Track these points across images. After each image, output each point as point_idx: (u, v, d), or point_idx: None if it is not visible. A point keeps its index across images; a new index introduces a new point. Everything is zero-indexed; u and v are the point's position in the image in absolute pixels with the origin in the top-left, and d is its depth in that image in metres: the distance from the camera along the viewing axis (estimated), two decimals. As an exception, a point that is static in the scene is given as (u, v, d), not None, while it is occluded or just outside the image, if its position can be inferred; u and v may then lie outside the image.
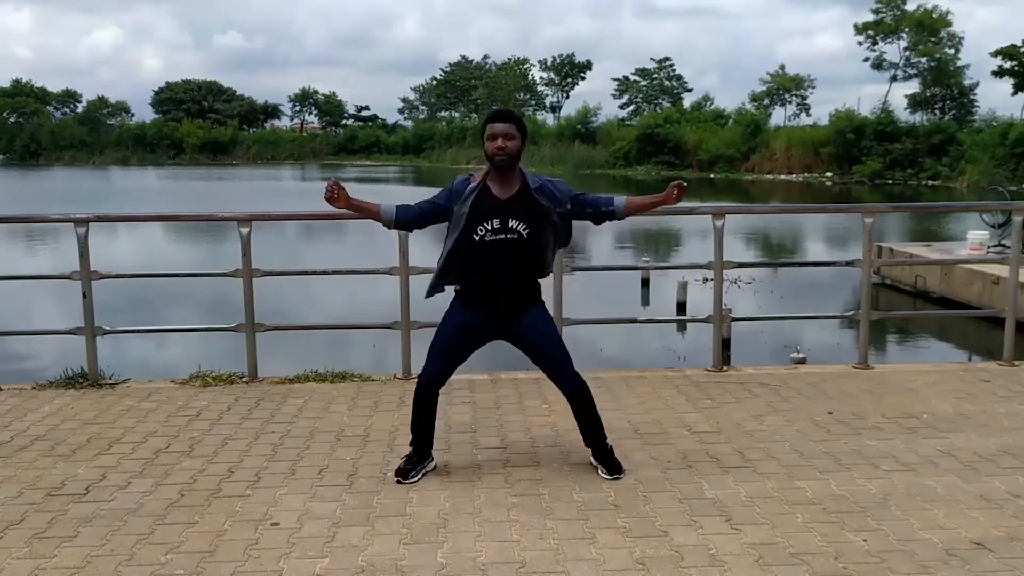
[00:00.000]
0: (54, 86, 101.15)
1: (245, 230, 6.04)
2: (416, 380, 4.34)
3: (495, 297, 4.16)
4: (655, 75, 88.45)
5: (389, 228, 4.35)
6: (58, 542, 3.60)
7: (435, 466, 4.38)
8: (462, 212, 4.04)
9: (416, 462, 4.30)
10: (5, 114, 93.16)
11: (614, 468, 4.29)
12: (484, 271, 4.10)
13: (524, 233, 4.04)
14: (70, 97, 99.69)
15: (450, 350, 4.26)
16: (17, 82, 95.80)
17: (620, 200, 4.28)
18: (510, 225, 4.02)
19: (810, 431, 4.97)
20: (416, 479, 4.24)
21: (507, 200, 4.06)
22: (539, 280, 4.28)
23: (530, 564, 3.38)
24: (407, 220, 4.25)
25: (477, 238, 4.03)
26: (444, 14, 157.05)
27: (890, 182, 50.90)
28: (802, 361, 9.26)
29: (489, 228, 4.02)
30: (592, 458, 4.37)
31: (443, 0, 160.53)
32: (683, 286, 14.22)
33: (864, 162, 53.22)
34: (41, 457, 4.65)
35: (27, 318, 12.31)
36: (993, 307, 11.20)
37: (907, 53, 63.58)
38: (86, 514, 3.88)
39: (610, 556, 3.43)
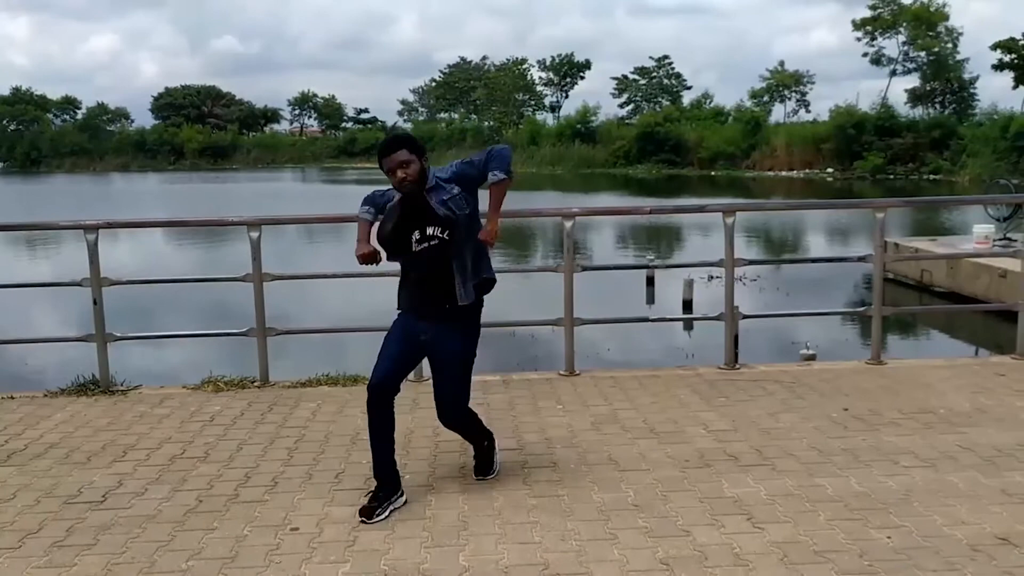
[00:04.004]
0: (53, 93, 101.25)
1: (255, 234, 6.02)
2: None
3: (422, 299, 4.06)
4: (654, 74, 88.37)
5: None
6: (78, 550, 3.59)
7: (405, 501, 3.99)
8: (388, 228, 3.99)
9: (383, 497, 3.93)
10: (5, 122, 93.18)
11: (480, 469, 4.29)
12: (417, 275, 4.05)
13: (444, 236, 3.94)
14: (70, 104, 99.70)
15: (391, 349, 4.08)
16: (16, 90, 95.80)
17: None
18: (428, 233, 3.94)
19: (827, 428, 4.95)
20: (383, 516, 3.84)
21: (421, 211, 3.95)
22: (469, 292, 4.05)
23: (554, 566, 3.36)
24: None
25: (412, 249, 3.97)
26: (440, 15, 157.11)
27: (891, 177, 50.89)
28: (812, 358, 9.24)
29: (415, 239, 3.96)
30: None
31: (438, 1, 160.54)
32: (689, 284, 14.20)
33: (865, 157, 53.19)
34: (56, 465, 4.63)
35: (38, 325, 12.28)
36: (1000, 300, 11.18)
37: (905, 48, 63.60)
38: (104, 522, 3.87)
39: (633, 557, 3.42)
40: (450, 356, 4.08)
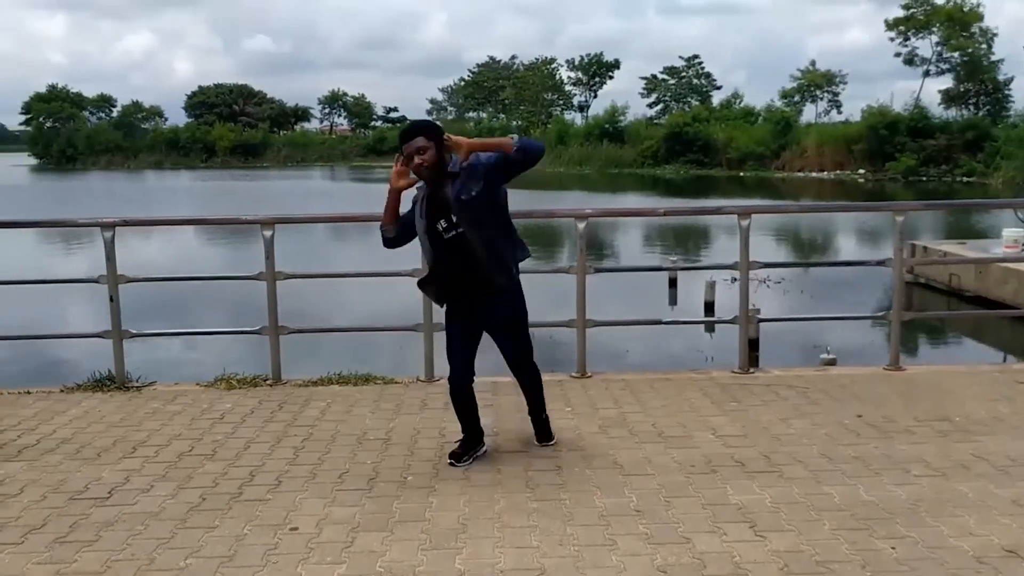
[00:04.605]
0: (89, 91, 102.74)
1: (268, 233, 6.05)
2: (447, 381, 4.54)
3: (463, 286, 4.34)
4: (683, 73, 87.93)
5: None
6: (79, 547, 3.61)
7: (486, 451, 4.59)
8: (422, 219, 4.31)
9: (467, 447, 4.53)
10: (42, 119, 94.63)
11: (543, 436, 4.72)
12: (450, 264, 4.31)
13: (463, 228, 4.21)
14: (105, 102, 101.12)
15: (457, 344, 4.44)
16: (53, 87, 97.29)
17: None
18: (454, 221, 4.23)
19: (838, 435, 4.87)
20: (468, 462, 4.46)
21: (445, 199, 4.23)
22: (506, 264, 4.35)
23: (550, 571, 3.33)
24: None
25: (443, 237, 4.27)
26: (469, 15, 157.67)
27: (924, 179, 50.23)
28: (832, 362, 9.12)
29: (443, 227, 4.25)
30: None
31: (468, 1, 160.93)
32: (711, 286, 14.10)
33: (898, 159, 52.54)
34: (66, 460, 4.68)
35: (57, 321, 12.44)
36: (1029, 306, 10.97)
37: (939, 48, 62.67)
38: (108, 518, 3.90)
39: (631, 563, 3.38)
40: (509, 321, 4.47)
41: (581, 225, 6.14)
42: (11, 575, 3.38)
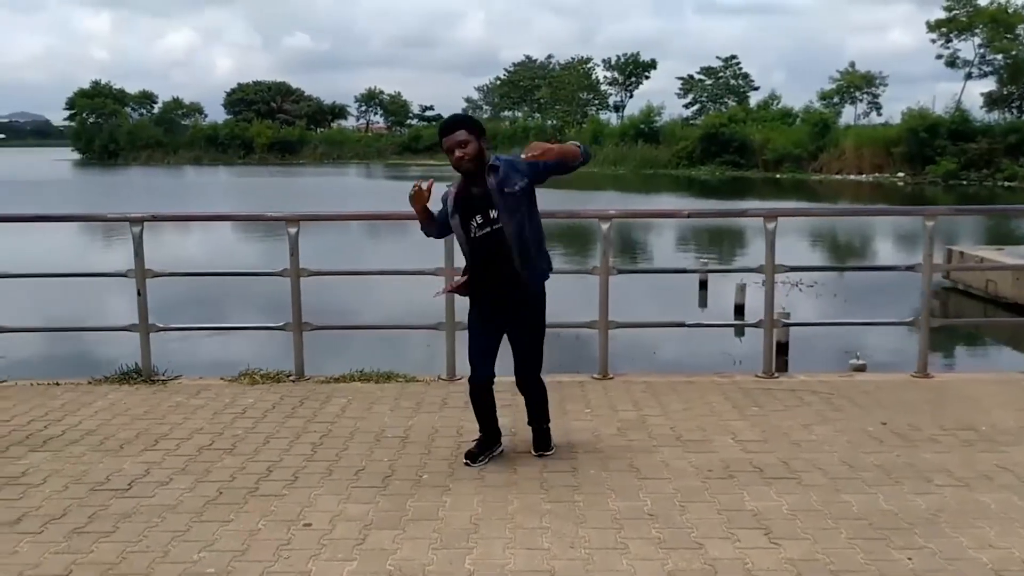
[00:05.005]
0: (131, 87, 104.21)
1: (293, 230, 6.10)
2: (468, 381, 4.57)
3: (490, 286, 4.37)
4: (721, 74, 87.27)
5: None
6: (96, 537, 3.67)
7: (503, 451, 4.61)
8: (455, 216, 4.36)
9: (484, 447, 4.54)
10: (85, 115, 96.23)
11: (541, 446, 4.62)
12: (480, 261, 4.36)
13: (501, 222, 4.25)
14: (146, 98, 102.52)
15: (479, 344, 4.45)
16: (96, 83, 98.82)
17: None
18: (492, 217, 4.25)
19: (861, 442, 4.80)
20: (484, 462, 4.47)
21: (482, 196, 4.27)
22: (536, 263, 4.36)
23: (559, 574, 3.32)
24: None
25: (472, 235, 4.31)
26: (506, 14, 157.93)
27: (964, 183, 49.31)
28: (862, 368, 9.00)
29: (477, 224, 4.28)
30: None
31: (505, 0, 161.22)
32: (741, 288, 13.96)
33: (938, 162, 51.59)
34: (89, 451, 4.75)
35: (91, 314, 12.60)
36: (1068, 314, 10.74)
37: (982, 50, 61.49)
38: (126, 510, 3.95)
39: (641, 568, 3.35)
40: (527, 327, 4.48)
41: (605, 226, 6.11)
42: (28, 564, 3.44)
